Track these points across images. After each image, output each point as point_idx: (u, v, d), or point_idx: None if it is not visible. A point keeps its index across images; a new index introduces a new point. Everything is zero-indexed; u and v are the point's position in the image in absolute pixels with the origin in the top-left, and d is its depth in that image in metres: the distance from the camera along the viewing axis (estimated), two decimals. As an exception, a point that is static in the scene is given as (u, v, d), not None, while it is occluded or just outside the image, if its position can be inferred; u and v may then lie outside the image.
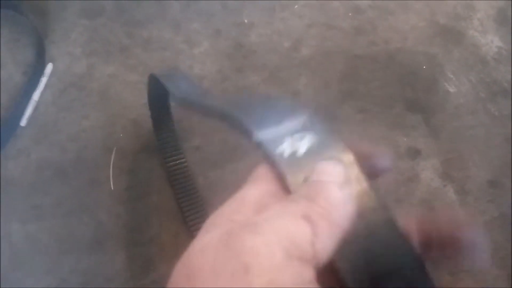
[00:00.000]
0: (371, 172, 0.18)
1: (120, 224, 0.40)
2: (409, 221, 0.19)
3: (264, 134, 0.19)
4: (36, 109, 0.45)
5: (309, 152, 0.19)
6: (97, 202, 0.41)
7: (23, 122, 0.44)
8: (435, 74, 0.51)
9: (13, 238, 0.39)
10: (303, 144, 0.19)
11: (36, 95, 0.45)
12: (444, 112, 0.49)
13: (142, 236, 0.40)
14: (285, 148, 0.19)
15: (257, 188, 0.18)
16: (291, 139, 0.19)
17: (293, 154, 0.18)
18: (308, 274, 0.14)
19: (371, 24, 0.53)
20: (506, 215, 0.44)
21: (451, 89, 0.50)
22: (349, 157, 0.18)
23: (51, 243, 0.39)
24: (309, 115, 0.20)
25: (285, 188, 0.18)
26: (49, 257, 0.39)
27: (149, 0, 0.50)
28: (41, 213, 0.40)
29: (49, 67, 0.47)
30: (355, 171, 0.18)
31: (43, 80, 0.46)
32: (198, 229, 0.17)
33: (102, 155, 0.43)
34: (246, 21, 0.51)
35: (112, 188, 0.42)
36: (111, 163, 0.42)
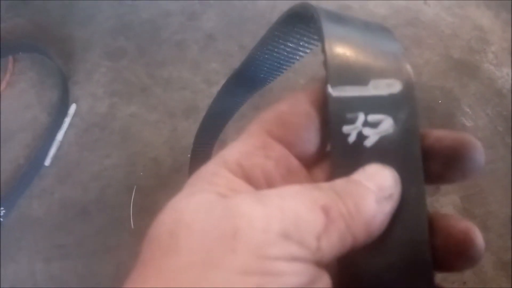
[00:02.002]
0: (452, 173, 0.16)
1: (141, 263, 0.41)
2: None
3: (341, 91, 0.15)
4: (59, 148, 0.46)
5: (376, 147, 0.15)
6: (119, 241, 0.41)
7: (47, 162, 0.45)
8: (452, 109, 0.51)
9: (37, 277, 0.40)
10: (375, 133, 0.15)
11: (60, 135, 0.46)
12: (462, 147, 0.49)
13: (162, 275, 0.41)
14: (353, 131, 0.15)
15: (242, 145, 0.16)
16: (364, 117, 0.15)
17: (358, 144, 0.15)
18: (303, 259, 0.13)
19: (386, 60, 0.53)
20: (530, 252, 0.43)
21: (468, 123, 0.50)
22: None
23: (74, 282, 0.40)
24: (407, 86, 0.16)
25: (285, 141, 0.16)
26: (71, 296, 0.39)
27: (169, 42, 0.51)
28: (65, 253, 0.41)
29: (72, 108, 0.48)
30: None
31: (67, 120, 0.47)
32: None
33: (123, 194, 0.44)
34: (262, 59, 0.52)
35: (133, 227, 0.42)
36: (131, 201, 0.43)
